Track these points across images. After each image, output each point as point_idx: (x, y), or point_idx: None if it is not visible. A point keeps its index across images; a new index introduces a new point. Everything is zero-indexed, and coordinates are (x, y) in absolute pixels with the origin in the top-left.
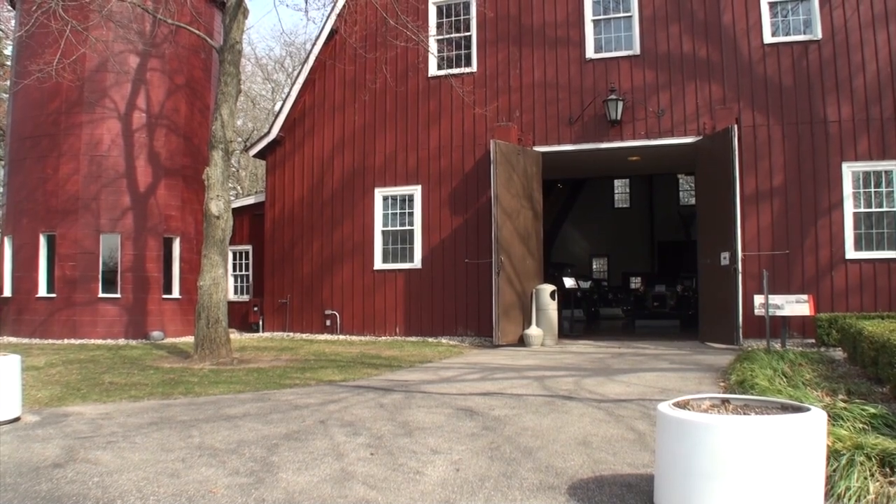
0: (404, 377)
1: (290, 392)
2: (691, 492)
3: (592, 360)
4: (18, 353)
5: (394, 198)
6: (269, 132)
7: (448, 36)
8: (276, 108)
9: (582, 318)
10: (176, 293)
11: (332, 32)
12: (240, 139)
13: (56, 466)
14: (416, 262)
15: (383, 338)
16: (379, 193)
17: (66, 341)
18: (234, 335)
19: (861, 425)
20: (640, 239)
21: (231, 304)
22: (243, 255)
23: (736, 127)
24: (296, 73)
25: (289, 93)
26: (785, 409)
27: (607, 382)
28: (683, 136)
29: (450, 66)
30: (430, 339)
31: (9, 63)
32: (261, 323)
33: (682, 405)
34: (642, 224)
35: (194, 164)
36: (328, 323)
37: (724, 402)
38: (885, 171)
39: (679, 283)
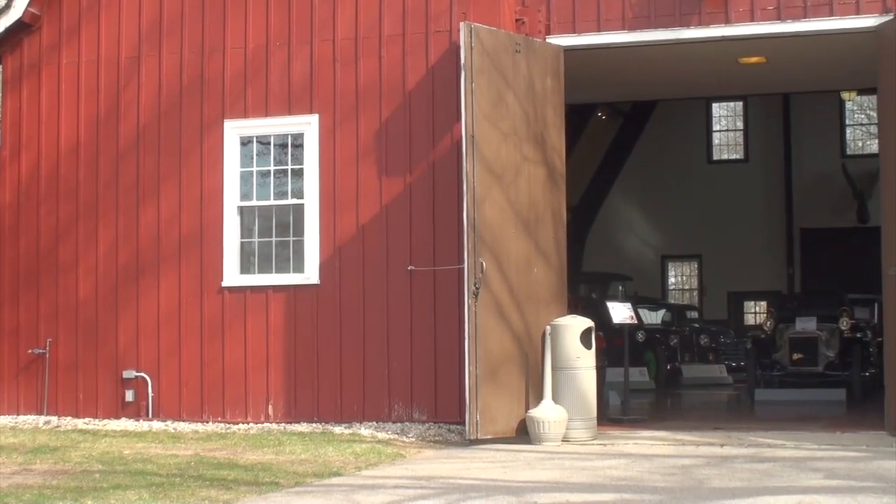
0: None
1: None
2: None
3: (668, 470)
4: None
5: (263, 141)
6: (6, 6)
7: None
8: None
9: (647, 385)
10: None
11: None
12: None
13: None
14: (310, 273)
15: (242, 425)
16: (233, 132)
17: None
18: None
19: None
20: (764, 225)
21: None
22: None
23: None
24: None
25: None
26: None
27: None
28: (852, 16)
29: None
30: (336, 429)
31: None
32: None
33: None
34: (769, 194)
35: None
36: (130, 397)
37: None
38: None
39: (844, 314)
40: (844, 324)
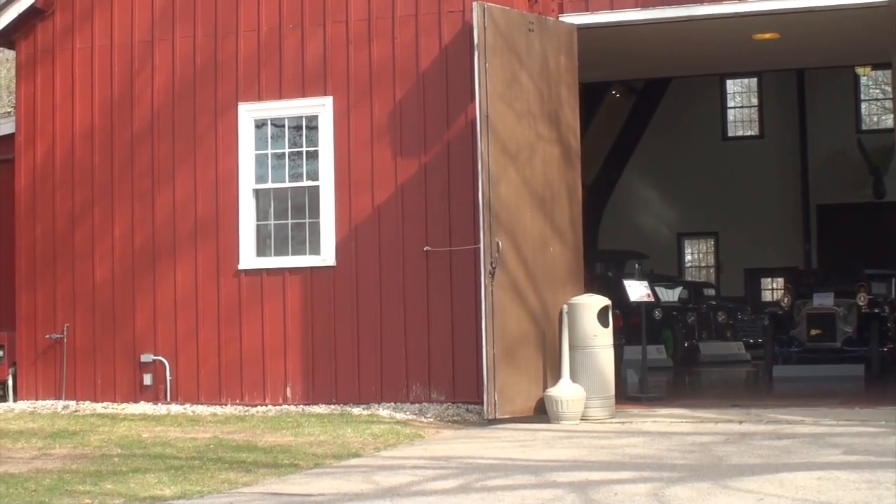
0: (305, 489)
1: None
2: None
3: (687, 447)
4: None
5: (278, 124)
6: None
7: None
8: None
9: (665, 363)
10: None
11: None
12: None
13: None
14: (326, 255)
15: (261, 408)
16: (248, 115)
17: None
18: None
19: None
20: (780, 201)
21: None
22: None
23: None
24: None
25: None
26: None
27: (717, 494)
28: None
29: None
30: (354, 410)
31: None
32: (10, 382)
33: None
34: (785, 170)
35: None
36: (148, 381)
37: None
38: None
39: (861, 289)
40: (862, 299)
